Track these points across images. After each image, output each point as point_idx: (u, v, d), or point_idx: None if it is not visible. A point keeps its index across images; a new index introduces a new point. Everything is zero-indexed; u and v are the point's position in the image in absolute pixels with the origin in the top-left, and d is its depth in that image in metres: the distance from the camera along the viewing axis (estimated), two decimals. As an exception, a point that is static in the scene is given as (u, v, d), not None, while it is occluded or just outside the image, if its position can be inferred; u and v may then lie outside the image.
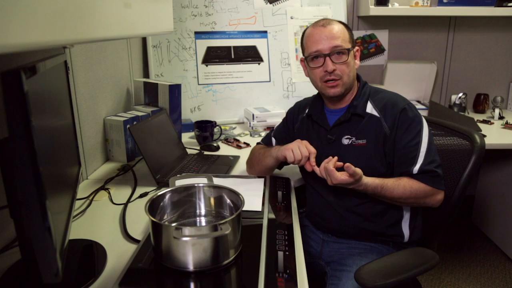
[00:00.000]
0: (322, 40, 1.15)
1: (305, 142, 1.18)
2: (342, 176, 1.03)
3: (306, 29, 1.23)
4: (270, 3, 2.22)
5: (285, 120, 1.40)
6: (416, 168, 1.10)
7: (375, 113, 1.17)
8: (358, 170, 1.03)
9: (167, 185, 1.05)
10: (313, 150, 1.16)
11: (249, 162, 1.40)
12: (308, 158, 1.15)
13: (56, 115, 0.88)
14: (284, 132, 1.38)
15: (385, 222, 1.18)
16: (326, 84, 1.17)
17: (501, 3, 2.22)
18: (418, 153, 1.11)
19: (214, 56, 2.16)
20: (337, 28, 1.16)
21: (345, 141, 1.19)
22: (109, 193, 1.29)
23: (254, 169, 1.38)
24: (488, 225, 2.48)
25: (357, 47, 1.21)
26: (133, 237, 1.01)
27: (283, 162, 1.34)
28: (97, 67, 1.53)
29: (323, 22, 1.18)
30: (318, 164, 1.24)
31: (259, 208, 1.11)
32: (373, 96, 1.20)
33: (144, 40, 2.06)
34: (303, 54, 1.23)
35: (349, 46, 1.17)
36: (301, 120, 1.33)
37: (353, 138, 1.18)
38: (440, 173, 1.12)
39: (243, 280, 0.84)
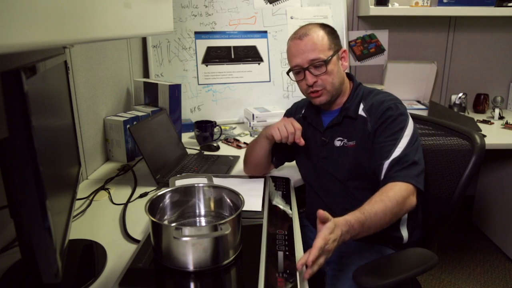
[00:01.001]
0: (299, 54, 1.14)
1: (291, 119, 1.20)
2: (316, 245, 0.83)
3: (289, 38, 1.21)
4: (270, 3, 2.22)
5: None
6: (387, 162, 1.06)
7: (363, 114, 1.16)
8: (326, 215, 0.87)
9: (167, 185, 1.05)
10: (298, 126, 1.18)
11: (244, 157, 1.41)
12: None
13: (56, 115, 0.88)
14: None
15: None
16: (311, 95, 1.18)
17: (501, 3, 2.23)
18: (394, 148, 1.07)
19: (214, 56, 2.16)
20: (315, 39, 1.13)
21: (337, 143, 1.19)
22: (109, 193, 1.29)
23: (248, 161, 1.38)
24: (488, 225, 2.48)
25: (343, 49, 1.20)
26: (133, 237, 1.01)
27: (279, 158, 1.37)
28: (97, 67, 1.53)
29: (300, 34, 1.15)
30: (316, 166, 1.25)
31: (259, 208, 1.11)
32: (366, 98, 1.19)
33: (144, 40, 2.06)
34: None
35: (328, 54, 1.14)
36: (296, 120, 1.33)
37: (345, 140, 1.18)
38: (415, 171, 1.05)
39: (243, 280, 0.84)
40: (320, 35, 1.15)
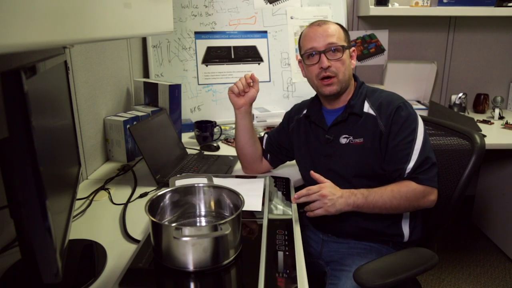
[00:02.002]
0: (317, 37, 1.17)
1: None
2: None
3: (306, 28, 1.24)
4: (270, 3, 2.22)
5: (282, 121, 1.42)
6: (409, 166, 1.10)
7: (371, 112, 1.17)
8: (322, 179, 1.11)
9: (167, 185, 1.05)
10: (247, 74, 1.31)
11: (236, 151, 1.43)
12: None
13: (56, 115, 0.88)
14: (278, 132, 1.41)
15: (385, 221, 1.18)
16: (322, 82, 1.18)
17: (501, 3, 2.23)
18: (412, 151, 1.11)
19: (214, 56, 2.16)
20: (333, 27, 1.19)
21: (343, 140, 1.19)
22: (109, 193, 1.29)
23: (238, 150, 1.40)
24: (488, 225, 2.48)
25: (353, 48, 1.23)
26: (133, 237, 1.01)
27: (277, 158, 1.39)
28: (97, 67, 1.53)
29: (319, 22, 1.20)
30: (318, 164, 1.25)
31: (259, 208, 1.11)
32: (370, 96, 1.20)
33: (144, 40, 2.06)
34: (300, 53, 1.25)
35: (344, 44, 1.18)
36: (297, 121, 1.34)
37: (351, 137, 1.18)
38: (434, 171, 1.12)
39: (243, 280, 0.84)
40: (337, 27, 1.20)
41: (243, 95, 1.31)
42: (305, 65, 1.23)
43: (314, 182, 1.29)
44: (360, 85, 1.23)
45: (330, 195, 1.06)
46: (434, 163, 1.12)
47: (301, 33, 1.25)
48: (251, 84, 1.31)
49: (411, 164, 1.10)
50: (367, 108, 1.18)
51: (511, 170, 2.28)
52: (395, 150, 1.12)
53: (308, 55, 1.19)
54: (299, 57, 1.26)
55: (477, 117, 2.28)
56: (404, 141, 1.12)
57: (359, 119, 1.18)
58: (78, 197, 1.18)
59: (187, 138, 1.92)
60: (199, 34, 2.14)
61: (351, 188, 1.20)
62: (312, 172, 1.12)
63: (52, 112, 0.84)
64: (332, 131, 1.22)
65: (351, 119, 1.19)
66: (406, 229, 1.20)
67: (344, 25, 2.30)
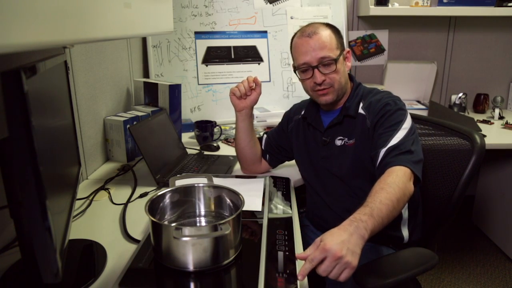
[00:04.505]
0: (308, 52, 1.14)
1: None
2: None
3: (294, 36, 1.21)
4: (270, 3, 2.22)
5: (281, 121, 1.42)
6: (384, 149, 1.06)
7: (363, 112, 1.17)
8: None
9: (167, 185, 1.05)
10: (250, 77, 1.29)
11: (236, 152, 1.43)
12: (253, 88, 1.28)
13: (56, 115, 0.88)
14: (277, 132, 1.40)
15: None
16: (318, 93, 1.18)
17: (501, 3, 2.23)
18: (391, 138, 1.07)
19: (214, 56, 2.16)
20: (324, 37, 1.14)
21: (338, 142, 1.20)
22: (109, 193, 1.29)
23: (237, 151, 1.40)
24: (488, 225, 2.48)
25: (347, 49, 1.21)
26: (133, 237, 1.01)
27: (276, 158, 1.40)
28: (97, 67, 1.53)
29: (309, 32, 1.15)
30: (317, 166, 1.25)
31: (259, 208, 1.11)
32: (365, 97, 1.20)
33: (144, 40, 2.06)
34: (293, 63, 1.23)
35: (337, 53, 1.15)
36: (296, 121, 1.34)
37: (346, 139, 1.19)
38: (413, 157, 1.03)
39: (243, 280, 0.84)
40: (328, 34, 1.15)
41: (245, 98, 1.30)
42: (299, 78, 1.21)
43: (314, 181, 1.29)
44: (357, 87, 1.23)
45: (342, 248, 0.77)
46: (410, 150, 1.03)
47: (292, 40, 1.21)
48: (254, 87, 1.29)
49: (385, 148, 1.06)
50: (360, 109, 1.18)
51: (511, 170, 2.28)
52: (376, 138, 1.10)
53: (301, 70, 1.18)
54: (293, 65, 1.23)
55: (477, 117, 2.28)
56: (386, 130, 1.09)
57: (353, 120, 1.18)
58: (78, 197, 1.18)
59: (187, 138, 1.92)
60: (199, 34, 2.14)
61: (347, 189, 1.19)
62: (297, 255, 0.84)
63: (52, 112, 0.84)
64: (328, 133, 1.22)
65: (346, 121, 1.19)
66: (405, 231, 1.20)
67: (344, 25, 2.30)
